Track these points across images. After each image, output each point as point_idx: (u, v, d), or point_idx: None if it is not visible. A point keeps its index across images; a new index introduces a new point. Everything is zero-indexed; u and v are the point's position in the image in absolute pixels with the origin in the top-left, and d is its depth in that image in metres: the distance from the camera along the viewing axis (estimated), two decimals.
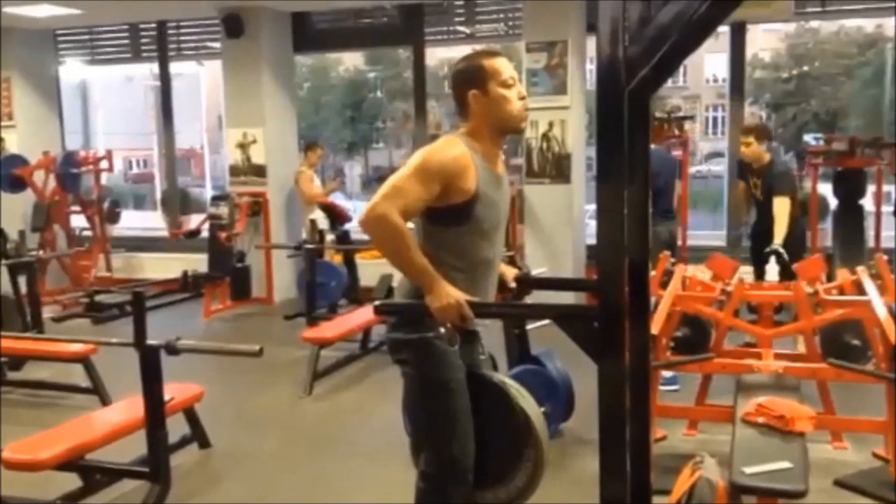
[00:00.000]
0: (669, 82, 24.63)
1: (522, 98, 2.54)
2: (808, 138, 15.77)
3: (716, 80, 23.69)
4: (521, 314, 2.73)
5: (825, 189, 7.20)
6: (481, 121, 2.53)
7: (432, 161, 2.45)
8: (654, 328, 3.53)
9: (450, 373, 2.55)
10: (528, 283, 3.03)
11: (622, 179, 1.69)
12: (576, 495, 3.49)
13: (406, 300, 2.57)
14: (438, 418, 2.60)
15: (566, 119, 7.12)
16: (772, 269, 5.18)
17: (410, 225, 2.52)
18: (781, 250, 5.17)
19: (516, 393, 2.65)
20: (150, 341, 3.21)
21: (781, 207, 5.38)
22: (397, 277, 2.66)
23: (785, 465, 2.72)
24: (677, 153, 7.59)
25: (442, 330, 2.47)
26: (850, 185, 6.67)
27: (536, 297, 3.03)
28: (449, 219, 2.51)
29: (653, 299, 4.09)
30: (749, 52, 8.74)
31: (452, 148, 2.49)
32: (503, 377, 2.76)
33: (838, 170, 6.78)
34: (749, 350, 4.30)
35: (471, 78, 2.52)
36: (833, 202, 6.96)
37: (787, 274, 4.90)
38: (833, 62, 22.24)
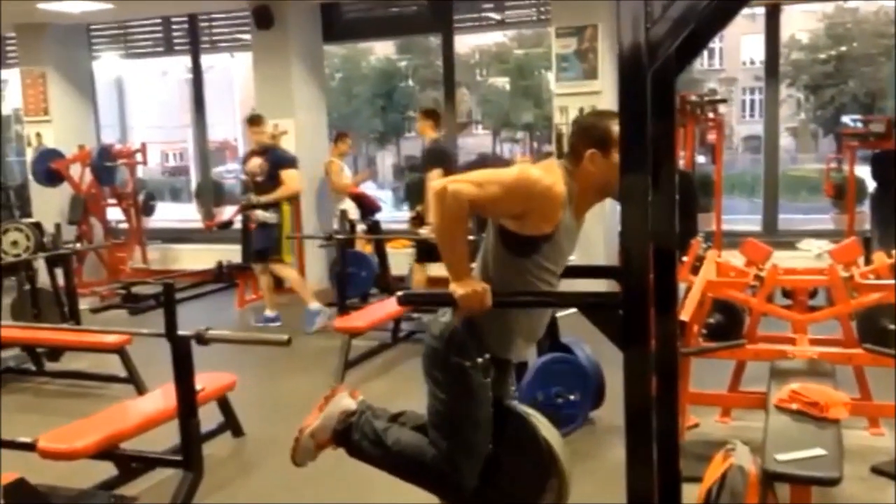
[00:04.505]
0: (705, 64, 24.38)
1: None
2: (847, 120, 15.47)
3: (752, 63, 23.29)
4: (544, 303, 2.71)
5: (863, 171, 7.07)
6: (589, 177, 2.50)
7: (529, 181, 2.43)
8: (685, 315, 3.49)
9: (478, 409, 2.56)
10: None
11: (646, 164, 1.65)
12: (607, 484, 3.45)
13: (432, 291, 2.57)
14: (458, 447, 2.60)
15: (597, 104, 7.03)
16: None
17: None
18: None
19: (539, 423, 2.66)
20: (181, 332, 3.24)
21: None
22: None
23: (819, 451, 2.67)
24: (711, 137, 7.50)
25: (479, 360, 2.48)
26: (887, 168, 6.54)
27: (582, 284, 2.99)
28: (515, 246, 2.50)
29: (684, 285, 4.05)
30: (787, 33, 8.59)
31: (554, 180, 2.45)
32: (527, 408, 2.77)
33: (876, 152, 6.65)
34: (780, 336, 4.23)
35: (596, 138, 2.48)
36: (871, 185, 6.83)
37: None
38: (872, 42, 21.73)
